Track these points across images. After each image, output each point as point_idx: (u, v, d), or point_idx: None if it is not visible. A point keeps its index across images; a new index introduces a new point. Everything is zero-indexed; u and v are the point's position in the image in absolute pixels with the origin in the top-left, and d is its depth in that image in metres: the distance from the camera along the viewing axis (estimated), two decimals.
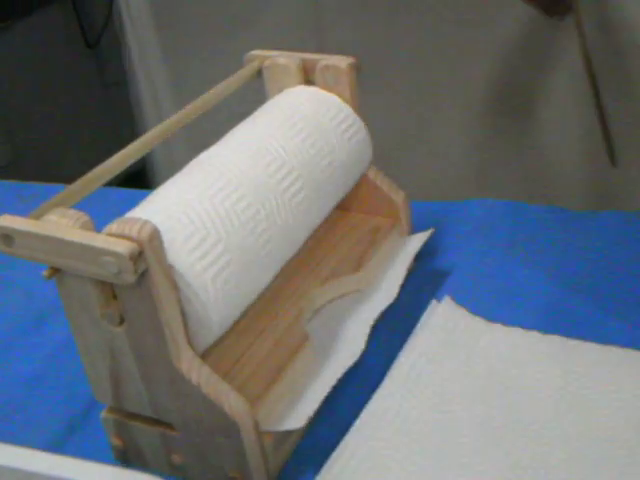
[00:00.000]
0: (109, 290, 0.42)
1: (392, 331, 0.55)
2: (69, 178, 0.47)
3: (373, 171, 0.61)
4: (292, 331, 0.51)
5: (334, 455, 0.45)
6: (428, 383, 0.49)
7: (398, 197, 0.61)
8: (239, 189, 0.47)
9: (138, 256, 0.38)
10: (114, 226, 0.39)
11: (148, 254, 0.39)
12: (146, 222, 0.39)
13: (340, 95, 0.58)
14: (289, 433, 0.46)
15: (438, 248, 0.64)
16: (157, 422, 0.46)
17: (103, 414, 0.47)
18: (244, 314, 0.49)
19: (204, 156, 0.51)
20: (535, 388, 0.48)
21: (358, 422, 0.47)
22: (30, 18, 1.23)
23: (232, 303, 0.45)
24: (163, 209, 0.45)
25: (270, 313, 0.52)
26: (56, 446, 0.50)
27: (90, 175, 0.46)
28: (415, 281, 0.60)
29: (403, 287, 0.56)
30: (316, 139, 0.54)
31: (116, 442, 0.48)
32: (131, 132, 1.38)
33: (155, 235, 0.39)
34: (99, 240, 0.39)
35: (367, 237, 0.60)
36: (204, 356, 0.45)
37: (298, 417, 0.45)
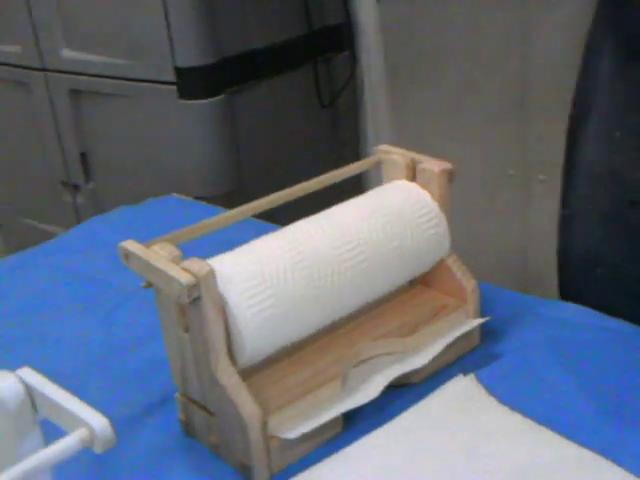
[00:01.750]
0: (182, 306, 0.59)
1: (415, 392, 0.67)
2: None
3: (452, 257, 0.73)
4: (330, 369, 0.65)
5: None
6: (412, 439, 0.61)
7: (469, 285, 0.72)
8: (303, 254, 0.63)
9: (193, 286, 0.55)
10: (188, 262, 0.57)
11: (202, 286, 0.56)
12: (206, 264, 0.56)
13: (432, 193, 0.72)
14: (295, 441, 0.60)
15: (502, 333, 0.75)
16: (204, 408, 0.62)
17: (176, 395, 0.65)
18: (299, 348, 0.65)
19: (293, 225, 0.67)
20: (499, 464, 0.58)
21: (342, 451, 0.61)
22: (272, 80, 1.46)
23: (266, 338, 0.60)
24: (240, 256, 0.61)
25: (320, 352, 0.67)
26: (144, 417, 0.68)
27: (198, 225, 0.64)
28: (465, 359, 0.71)
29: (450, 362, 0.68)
30: (392, 225, 0.68)
31: (182, 418, 0.65)
32: (355, 187, 1.57)
33: (210, 274, 0.56)
34: (174, 270, 0.56)
35: (432, 311, 0.72)
36: (250, 370, 0.61)
37: (297, 431, 0.60)
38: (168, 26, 1.38)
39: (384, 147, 0.76)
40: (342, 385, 0.64)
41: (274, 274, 0.61)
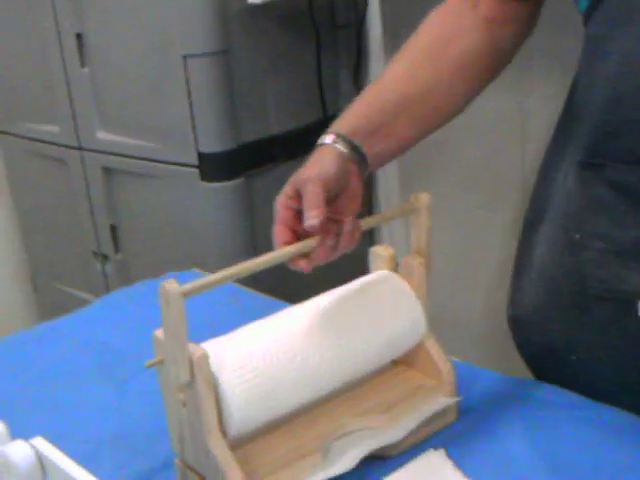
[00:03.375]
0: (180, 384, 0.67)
1: (391, 464, 0.74)
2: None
3: (430, 341, 0.80)
4: (313, 442, 0.73)
5: None
6: None
7: (445, 367, 0.79)
8: (287, 340, 0.71)
9: (191, 368, 0.64)
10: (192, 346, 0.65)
11: (196, 367, 0.64)
12: (200, 348, 0.65)
13: (411, 283, 0.79)
14: None
15: (479, 411, 0.81)
16: (198, 473, 0.70)
17: (176, 460, 0.73)
18: (286, 422, 0.73)
19: (281, 313, 0.75)
20: None
21: None
22: (288, 163, 1.55)
23: (252, 411, 0.68)
24: (231, 340, 0.70)
25: (305, 426, 0.74)
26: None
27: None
28: (440, 435, 0.78)
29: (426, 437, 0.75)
30: (371, 312, 0.76)
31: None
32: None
33: (204, 357, 0.64)
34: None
35: (410, 390, 0.79)
36: (241, 441, 0.69)
37: None
38: (192, 113, 1.49)
39: (380, 249, 0.82)
40: (323, 456, 0.71)
41: (260, 356, 0.69)
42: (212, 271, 1.29)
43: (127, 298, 1.26)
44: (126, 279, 1.79)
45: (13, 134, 1.94)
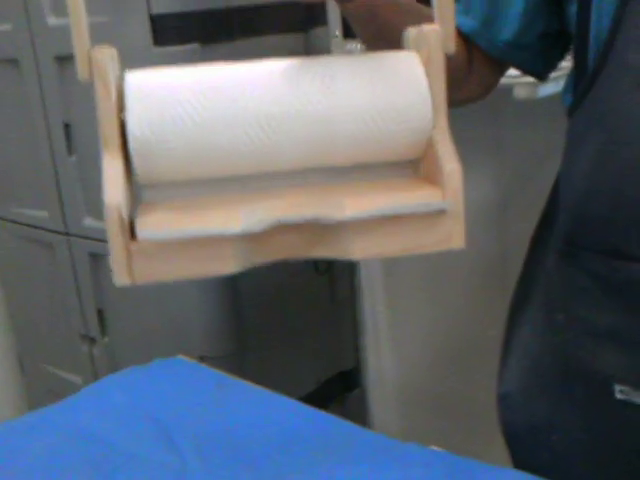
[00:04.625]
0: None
1: None
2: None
3: (440, 133, 0.57)
4: (239, 206, 0.53)
5: None
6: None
7: (448, 166, 0.55)
8: (232, 77, 0.55)
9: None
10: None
11: (94, 65, 0.53)
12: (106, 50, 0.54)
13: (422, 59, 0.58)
14: (162, 251, 0.52)
15: None
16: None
17: None
18: (219, 193, 0.56)
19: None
20: None
21: None
22: None
23: (155, 132, 0.52)
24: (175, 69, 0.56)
25: (245, 199, 0.55)
26: None
27: None
28: None
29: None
30: (352, 71, 0.56)
31: None
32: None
33: (103, 54, 0.53)
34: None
35: (394, 188, 0.57)
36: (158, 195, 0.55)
37: (152, 234, 0.51)
38: None
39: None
40: (239, 218, 0.52)
41: (187, 80, 0.55)
42: (198, 355, 1.33)
43: (114, 385, 1.28)
44: (113, 361, 1.81)
45: (2, 218, 1.98)
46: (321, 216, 0.53)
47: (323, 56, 0.59)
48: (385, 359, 1.79)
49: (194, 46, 1.42)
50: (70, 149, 1.69)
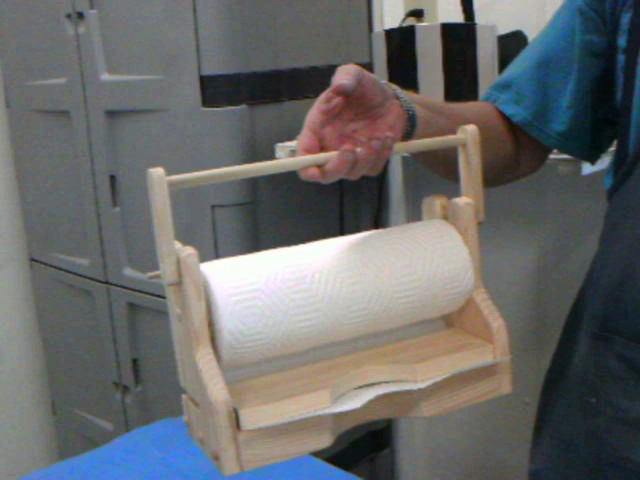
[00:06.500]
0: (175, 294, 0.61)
1: None
2: None
3: (481, 295, 0.69)
4: (325, 381, 0.62)
5: None
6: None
7: (495, 323, 0.67)
8: (298, 263, 0.62)
9: (178, 267, 0.59)
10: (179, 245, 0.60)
11: (183, 266, 0.58)
12: (189, 248, 0.59)
13: (458, 228, 0.69)
14: (267, 437, 0.59)
15: None
16: (194, 401, 0.63)
17: (183, 396, 0.67)
18: (298, 365, 0.64)
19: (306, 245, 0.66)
20: None
21: None
22: None
23: (247, 327, 0.59)
24: (233, 259, 0.63)
25: (319, 371, 0.64)
26: None
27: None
28: None
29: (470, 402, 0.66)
30: (406, 251, 0.65)
31: (186, 420, 0.67)
32: None
33: (192, 256, 0.59)
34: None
35: (452, 348, 0.67)
36: (240, 376, 0.63)
37: (261, 424, 0.58)
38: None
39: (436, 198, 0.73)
40: (331, 395, 0.61)
41: (263, 272, 0.61)
42: None
43: (145, 438, 1.29)
44: (144, 410, 1.82)
45: (45, 263, 2.02)
46: (402, 388, 0.63)
47: (378, 232, 0.68)
48: (416, 420, 1.77)
49: (242, 107, 1.46)
50: (114, 200, 1.73)
